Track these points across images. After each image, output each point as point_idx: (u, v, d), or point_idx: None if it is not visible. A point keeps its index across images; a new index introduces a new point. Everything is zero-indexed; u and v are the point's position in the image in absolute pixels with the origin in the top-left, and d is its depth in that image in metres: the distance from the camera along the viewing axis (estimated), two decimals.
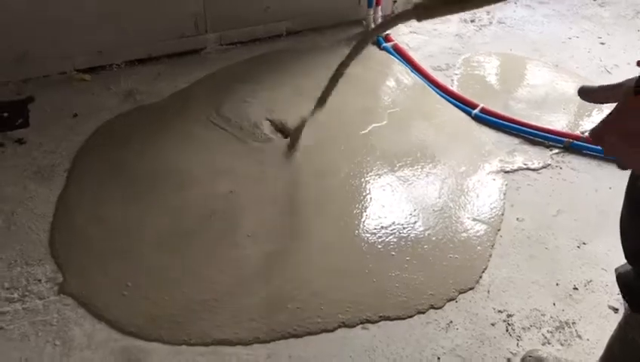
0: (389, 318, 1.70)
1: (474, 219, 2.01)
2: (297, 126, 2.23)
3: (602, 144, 0.84)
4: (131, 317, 1.68)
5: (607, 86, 0.89)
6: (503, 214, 2.05)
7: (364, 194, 2.10)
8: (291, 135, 2.28)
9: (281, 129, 2.36)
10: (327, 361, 1.59)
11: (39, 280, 1.76)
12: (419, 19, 1.58)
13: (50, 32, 2.48)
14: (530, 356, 1.56)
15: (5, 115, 2.37)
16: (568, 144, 2.30)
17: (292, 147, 2.26)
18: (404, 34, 3.07)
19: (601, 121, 0.84)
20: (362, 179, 2.16)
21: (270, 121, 2.38)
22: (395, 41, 2.93)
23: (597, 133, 0.85)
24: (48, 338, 1.62)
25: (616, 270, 1.32)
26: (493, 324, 1.70)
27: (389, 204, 2.06)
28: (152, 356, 1.59)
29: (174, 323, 1.67)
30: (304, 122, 2.19)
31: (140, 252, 1.87)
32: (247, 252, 1.87)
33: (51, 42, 2.50)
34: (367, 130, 2.39)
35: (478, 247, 1.92)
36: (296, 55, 2.86)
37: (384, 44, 2.90)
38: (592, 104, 2.50)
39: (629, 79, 0.82)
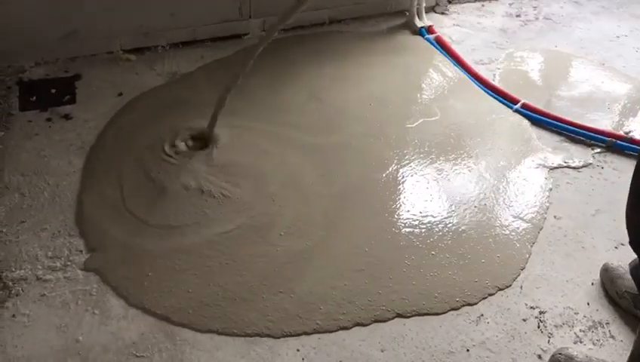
0: (420, 314, 1.70)
1: (516, 217, 1.99)
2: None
3: None
4: (156, 303, 1.69)
5: None
6: (546, 213, 2.02)
7: (407, 189, 2.09)
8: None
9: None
10: (356, 345, 1.61)
11: (81, 251, 1.82)
12: None
13: (99, 12, 2.54)
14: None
15: (53, 91, 2.44)
16: (612, 143, 2.26)
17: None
18: (447, 26, 3.04)
19: None
20: (407, 174, 2.14)
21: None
22: (438, 33, 2.90)
23: None
24: (87, 306, 1.67)
25: (629, 264, 1.30)
26: (524, 320, 1.69)
27: (432, 200, 2.05)
28: (185, 331, 1.63)
29: (198, 314, 1.67)
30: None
31: (157, 238, 1.88)
32: (281, 248, 1.85)
33: (99, 22, 2.57)
34: (415, 124, 2.38)
35: (518, 245, 1.90)
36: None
37: (426, 36, 2.89)
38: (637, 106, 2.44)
39: None
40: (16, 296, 1.69)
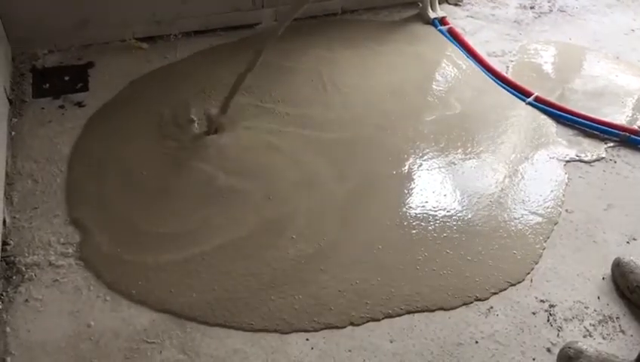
0: (431, 311, 1.69)
1: (531, 212, 1.98)
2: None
3: None
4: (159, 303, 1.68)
5: None
6: (560, 207, 2.00)
7: (421, 183, 2.07)
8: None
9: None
10: (365, 335, 1.62)
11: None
12: None
13: (113, 0, 2.54)
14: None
15: (66, 78, 2.45)
16: (625, 138, 2.24)
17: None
18: (461, 18, 3.02)
19: None
20: (422, 168, 2.13)
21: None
22: (451, 25, 2.88)
23: None
24: (99, 293, 1.69)
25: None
26: (534, 313, 1.69)
27: (446, 195, 2.04)
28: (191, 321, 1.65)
29: (204, 311, 1.66)
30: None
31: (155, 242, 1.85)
32: (292, 251, 1.83)
33: (113, 10, 2.57)
34: (432, 117, 2.36)
35: (532, 240, 1.89)
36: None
37: (439, 27, 2.87)
38: None
39: None
40: (30, 281, 1.70)
